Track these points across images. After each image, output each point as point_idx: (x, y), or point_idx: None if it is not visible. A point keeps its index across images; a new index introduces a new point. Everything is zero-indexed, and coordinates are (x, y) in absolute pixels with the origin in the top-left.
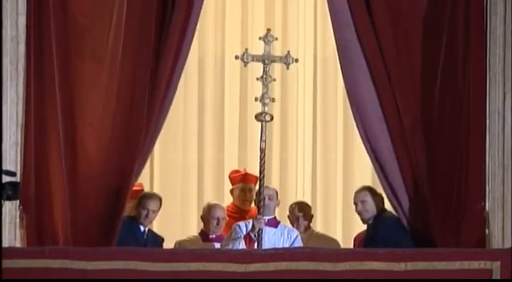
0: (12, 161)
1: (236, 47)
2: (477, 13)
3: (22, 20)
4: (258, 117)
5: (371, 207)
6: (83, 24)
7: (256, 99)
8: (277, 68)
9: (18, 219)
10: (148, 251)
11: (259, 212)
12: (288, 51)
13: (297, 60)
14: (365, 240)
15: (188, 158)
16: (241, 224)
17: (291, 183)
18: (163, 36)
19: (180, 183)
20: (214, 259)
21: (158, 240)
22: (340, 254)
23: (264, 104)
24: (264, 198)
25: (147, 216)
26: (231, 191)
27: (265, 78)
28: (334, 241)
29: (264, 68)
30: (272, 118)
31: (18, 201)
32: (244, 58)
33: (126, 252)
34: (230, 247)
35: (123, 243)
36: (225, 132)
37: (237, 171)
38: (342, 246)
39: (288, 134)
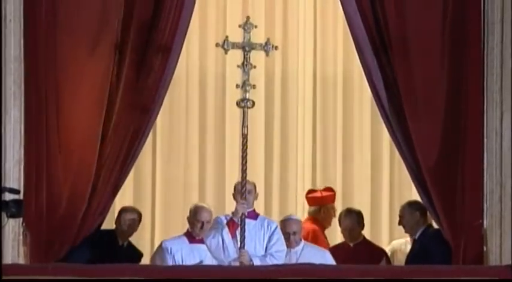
0: (16, 179)
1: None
2: (475, 33)
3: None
4: (239, 103)
5: (407, 223)
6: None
7: (237, 86)
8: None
9: (21, 237)
10: (149, 267)
11: (241, 197)
12: (268, 39)
13: (276, 48)
14: (409, 256)
15: (189, 175)
16: (222, 216)
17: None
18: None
19: (182, 199)
20: (215, 275)
21: (136, 255)
22: (339, 270)
23: (245, 91)
24: (246, 187)
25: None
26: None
27: (246, 65)
28: (325, 252)
29: (244, 55)
30: (253, 104)
31: (21, 219)
32: (225, 45)
33: (128, 268)
34: (212, 235)
35: (102, 257)
36: (226, 149)
37: (313, 191)
38: None
39: (289, 138)
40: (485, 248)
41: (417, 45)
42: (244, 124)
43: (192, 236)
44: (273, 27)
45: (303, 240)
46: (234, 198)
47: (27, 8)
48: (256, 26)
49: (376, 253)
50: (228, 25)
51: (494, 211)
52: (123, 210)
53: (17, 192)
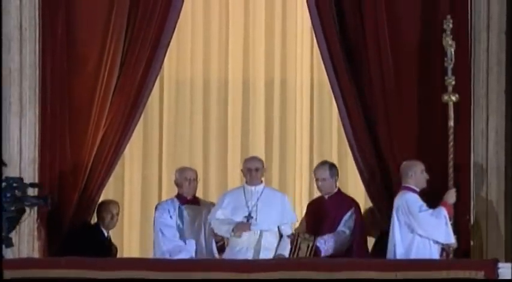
0: (31, 177)
1: (238, 71)
2: (462, 41)
3: (40, 48)
4: (444, 97)
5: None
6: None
7: (446, 78)
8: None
9: (36, 232)
10: (155, 261)
11: None
12: None
13: None
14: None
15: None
16: None
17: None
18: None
19: None
20: (217, 268)
21: (114, 246)
22: (336, 264)
23: (449, 85)
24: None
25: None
26: None
27: (449, 64)
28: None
29: (448, 54)
30: (458, 98)
31: (36, 215)
32: None
33: (134, 262)
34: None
35: (86, 251)
36: (228, 152)
37: None
38: None
39: (287, 141)
40: (472, 243)
41: (407, 49)
42: (450, 116)
43: (183, 198)
44: (273, 37)
45: (263, 183)
46: None
47: (44, 18)
48: None
49: (345, 204)
50: (230, 54)
51: (480, 208)
52: (107, 203)
53: (37, 186)
